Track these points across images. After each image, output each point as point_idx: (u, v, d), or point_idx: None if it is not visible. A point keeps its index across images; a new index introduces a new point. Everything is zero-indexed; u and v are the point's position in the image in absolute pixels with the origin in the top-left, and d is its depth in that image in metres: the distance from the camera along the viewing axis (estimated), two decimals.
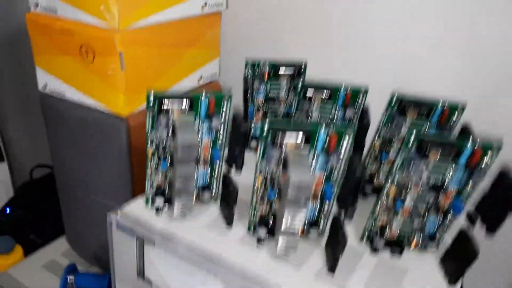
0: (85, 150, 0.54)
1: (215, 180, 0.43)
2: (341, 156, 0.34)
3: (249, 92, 0.49)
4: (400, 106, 0.41)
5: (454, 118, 0.41)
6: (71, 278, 0.59)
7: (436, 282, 0.38)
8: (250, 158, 0.47)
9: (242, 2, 0.60)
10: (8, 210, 0.81)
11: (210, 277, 0.38)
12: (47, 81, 0.55)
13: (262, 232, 0.39)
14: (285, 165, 0.34)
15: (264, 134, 0.33)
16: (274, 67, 0.47)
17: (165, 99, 0.36)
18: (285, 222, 0.35)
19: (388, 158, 0.46)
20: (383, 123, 0.44)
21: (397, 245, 0.40)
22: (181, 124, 0.36)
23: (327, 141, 0.34)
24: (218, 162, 0.42)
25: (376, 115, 0.44)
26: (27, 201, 0.83)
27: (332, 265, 0.37)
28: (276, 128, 0.33)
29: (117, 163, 0.52)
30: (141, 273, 0.43)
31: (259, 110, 0.50)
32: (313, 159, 0.35)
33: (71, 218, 0.65)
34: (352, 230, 0.43)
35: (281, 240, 0.36)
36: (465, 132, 0.41)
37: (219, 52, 0.62)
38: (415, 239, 0.40)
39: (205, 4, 0.55)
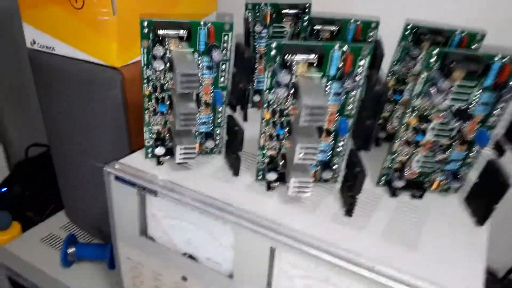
0: (78, 107, 0.51)
1: (218, 127, 0.40)
2: (357, 79, 0.31)
3: (250, 37, 0.46)
4: (415, 36, 0.38)
5: (473, 47, 0.38)
6: (71, 249, 0.56)
7: (461, 223, 0.35)
8: (254, 114, 0.45)
9: None
10: (3, 189, 0.78)
11: (218, 226, 0.35)
12: (35, 37, 0.51)
13: (272, 176, 0.36)
14: (296, 92, 0.31)
15: (272, 53, 0.30)
16: (277, 8, 0.44)
17: (161, 28, 0.33)
18: (297, 155, 0.31)
19: (402, 98, 0.43)
20: (396, 58, 0.41)
21: (417, 187, 0.37)
22: (179, 55, 0.33)
23: (342, 62, 0.30)
24: (221, 107, 0.39)
25: (389, 51, 0.41)
26: (24, 179, 0.80)
27: (349, 207, 0.34)
28: (286, 46, 0.30)
29: (113, 118, 0.49)
30: (143, 229, 0.40)
31: (262, 58, 0.47)
32: (326, 85, 0.32)
33: (69, 189, 0.62)
34: (367, 177, 0.40)
35: (293, 178, 0.33)
36: None
37: (216, 7, 0.58)
38: (437, 179, 0.37)
39: None
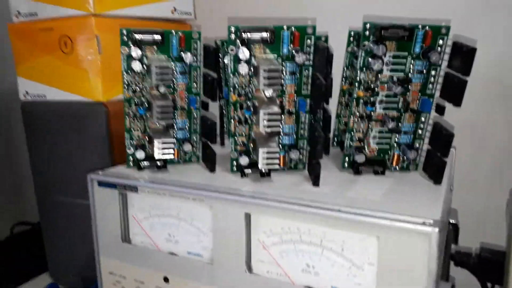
0: (65, 144, 0.54)
1: (194, 132, 0.44)
2: (308, 55, 0.36)
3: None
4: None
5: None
6: None
7: (421, 184, 0.38)
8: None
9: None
10: None
11: (197, 211, 0.37)
12: (28, 88, 0.57)
13: (244, 159, 0.39)
14: (256, 71, 0.36)
15: (232, 36, 0.36)
16: None
17: (137, 34, 0.39)
18: (261, 123, 0.35)
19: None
20: (348, 63, 0.47)
21: (378, 163, 0.40)
22: (155, 58, 0.39)
23: (291, 39, 0.36)
24: (195, 111, 0.43)
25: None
26: (8, 256, 0.80)
27: (315, 175, 0.37)
28: (242, 28, 0.35)
29: (98, 150, 0.52)
30: (125, 235, 0.41)
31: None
32: (281, 64, 0.37)
33: (54, 245, 0.62)
34: (332, 166, 0.44)
35: (261, 149, 0.36)
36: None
37: None
38: (395, 154, 0.41)
39: (174, 9, 0.61)
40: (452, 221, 0.45)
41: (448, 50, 0.36)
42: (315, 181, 0.37)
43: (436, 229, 0.28)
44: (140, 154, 0.42)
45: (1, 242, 0.83)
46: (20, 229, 0.86)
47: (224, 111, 0.53)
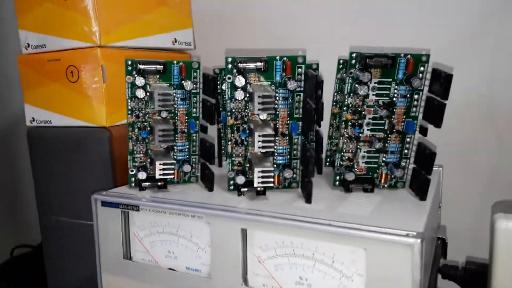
0: (70, 167, 0.56)
1: (193, 154, 0.46)
2: (299, 82, 0.39)
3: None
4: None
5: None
6: None
7: (408, 200, 0.40)
8: None
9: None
10: None
11: (196, 228, 0.39)
12: (34, 114, 0.60)
13: (241, 179, 0.41)
14: (251, 96, 0.39)
15: (229, 66, 0.39)
16: None
17: (141, 64, 0.42)
18: (257, 144, 0.38)
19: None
20: (337, 89, 0.50)
21: (367, 181, 0.43)
22: (157, 86, 0.42)
23: (284, 68, 0.39)
24: (195, 134, 0.46)
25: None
26: (9, 278, 0.81)
27: (307, 192, 0.39)
28: (239, 58, 0.39)
29: (101, 173, 0.54)
30: (126, 253, 0.43)
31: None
32: (275, 90, 0.40)
33: (55, 265, 0.63)
34: (324, 184, 0.46)
35: (256, 168, 0.39)
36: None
37: (192, 23, 0.67)
38: (383, 172, 0.43)
39: (175, 40, 0.64)
40: (440, 236, 0.47)
41: (428, 76, 0.39)
42: (308, 198, 0.39)
43: (419, 240, 0.30)
44: (142, 175, 0.44)
45: (2, 264, 0.84)
46: (20, 251, 0.87)
47: (222, 134, 0.56)
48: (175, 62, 0.43)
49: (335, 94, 0.50)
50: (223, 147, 0.56)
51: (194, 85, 0.44)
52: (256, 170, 0.39)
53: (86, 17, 0.53)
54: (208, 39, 0.73)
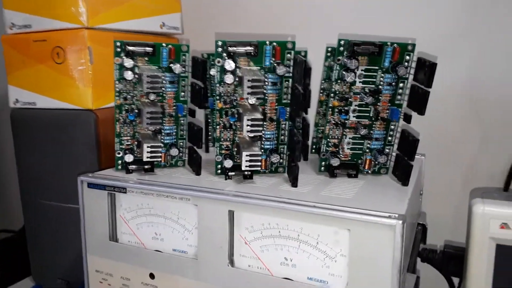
0: (54, 150, 0.56)
1: (180, 138, 0.46)
2: (288, 67, 0.40)
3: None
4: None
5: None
6: None
7: (390, 186, 0.41)
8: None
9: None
10: None
11: (183, 209, 0.39)
12: (18, 96, 0.59)
13: (228, 163, 0.42)
14: (240, 80, 0.40)
15: (219, 50, 0.39)
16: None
17: (130, 46, 0.42)
18: (245, 128, 0.38)
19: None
20: (325, 76, 0.51)
21: (352, 167, 0.44)
22: (146, 68, 0.42)
23: (273, 53, 0.40)
24: (183, 117, 0.46)
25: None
26: None
27: (293, 176, 0.40)
28: (229, 42, 0.39)
29: (86, 157, 0.54)
30: (113, 234, 0.43)
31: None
32: (264, 75, 0.40)
33: (38, 249, 0.63)
34: (310, 170, 0.47)
35: (244, 152, 0.39)
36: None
37: (181, 8, 0.67)
38: (367, 159, 0.44)
39: (163, 24, 0.64)
40: (421, 222, 0.48)
41: (414, 65, 0.40)
42: (294, 182, 0.40)
43: (400, 222, 0.31)
44: (129, 158, 0.44)
45: None
46: (2, 236, 0.86)
47: (209, 120, 0.56)
48: (164, 44, 0.43)
49: (323, 81, 0.51)
50: (210, 133, 0.56)
51: (183, 68, 0.44)
52: (244, 154, 0.40)
53: None
54: (197, 24, 0.73)
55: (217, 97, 0.41)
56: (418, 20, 0.60)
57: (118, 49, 0.42)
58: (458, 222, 0.59)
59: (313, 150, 0.54)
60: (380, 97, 0.42)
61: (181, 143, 0.47)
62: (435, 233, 0.54)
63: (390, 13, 0.62)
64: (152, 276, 0.41)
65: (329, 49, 0.49)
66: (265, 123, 0.42)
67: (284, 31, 0.66)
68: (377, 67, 0.41)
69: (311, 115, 0.51)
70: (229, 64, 0.39)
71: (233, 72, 0.40)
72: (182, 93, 0.45)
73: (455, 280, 0.49)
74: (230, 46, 0.39)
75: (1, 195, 1.02)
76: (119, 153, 0.45)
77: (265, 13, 0.70)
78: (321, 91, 0.52)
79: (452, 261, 0.42)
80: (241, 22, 0.72)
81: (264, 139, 0.42)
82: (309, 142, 0.52)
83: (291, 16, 0.68)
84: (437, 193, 0.59)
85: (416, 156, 0.41)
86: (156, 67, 0.44)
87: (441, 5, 0.59)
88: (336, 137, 0.43)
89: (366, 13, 0.63)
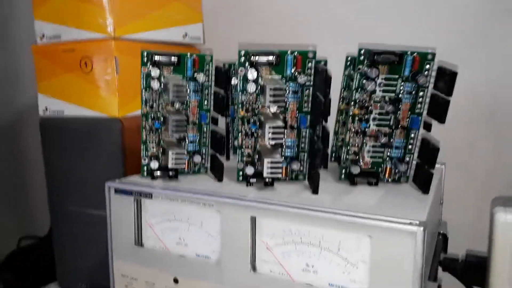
0: (81, 157, 0.58)
1: (203, 146, 0.48)
2: (309, 76, 0.41)
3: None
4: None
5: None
6: None
7: (411, 194, 0.42)
8: None
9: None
10: None
11: (207, 216, 0.40)
12: (47, 104, 0.61)
13: (250, 170, 0.43)
14: (262, 89, 0.41)
15: (242, 59, 0.40)
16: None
17: (156, 56, 0.43)
18: (267, 135, 0.39)
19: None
20: (345, 85, 0.51)
21: (372, 175, 0.44)
22: (171, 77, 0.43)
23: (294, 62, 0.41)
24: (206, 125, 0.47)
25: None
26: (15, 267, 0.82)
27: (314, 184, 0.40)
28: (251, 51, 0.40)
29: (112, 164, 0.56)
30: (138, 239, 0.45)
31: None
32: (285, 83, 0.41)
33: (64, 254, 0.65)
34: (330, 178, 0.47)
35: (266, 159, 0.40)
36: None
37: (202, 18, 0.69)
38: (387, 167, 0.44)
39: (186, 34, 0.66)
40: (441, 231, 0.48)
41: (433, 74, 0.41)
42: (315, 190, 0.40)
43: (421, 228, 0.31)
44: (154, 164, 0.46)
45: (9, 254, 0.86)
46: (27, 242, 0.89)
47: (230, 128, 0.57)
48: (188, 54, 0.45)
49: (342, 90, 0.52)
50: (230, 142, 0.57)
51: (206, 78, 0.46)
52: (265, 160, 0.40)
53: (101, 9, 0.55)
54: (217, 34, 0.74)
55: (239, 105, 0.42)
56: (436, 28, 0.60)
57: (145, 59, 0.44)
58: (479, 231, 0.59)
59: (332, 159, 0.54)
60: (400, 106, 0.42)
61: (204, 151, 0.48)
62: (456, 242, 0.53)
63: (407, 22, 0.62)
64: (176, 280, 0.42)
65: (349, 58, 0.50)
66: (285, 131, 0.43)
67: (302, 42, 0.67)
68: (397, 76, 0.41)
69: (330, 124, 0.52)
70: (252, 73, 0.40)
71: (255, 81, 0.41)
72: (205, 102, 0.47)
73: None
74: (253, 55, 0.41)
75: (27, 202, 1.05)
76: (145, 160, 0.46)
77: (283, 24, 0.71)
78: (341, 99, 0.52)
79: (474, 270, 0.42)
80: (260, 33, 0.74)
81: (284, 146, 0.43)
82: (328, 151, 0.53)
83: (309, 27, 0.69)
84: (457, 202, 0.58)
85: (436, 165, 0.41)
86: (181, 76, 0.45)
87: (459, 15, 0.59)
88: (356, 145, 0.44)
89: (384, 23, 0.63)
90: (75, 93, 0.58)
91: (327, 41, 0.64)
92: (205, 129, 0.47)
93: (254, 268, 0.38)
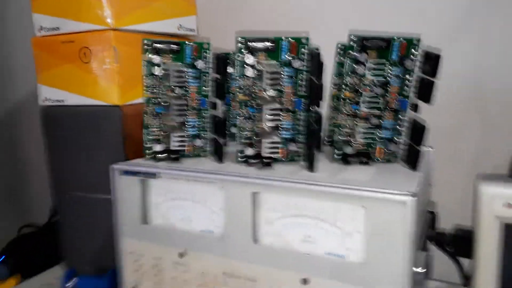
0: (83, 144, 0.60)
1: (203, 130, 0.50)
2: (303, 61, 0.43)
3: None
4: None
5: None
6: (71, 282, 0.59)
7: (401, 171, 0.44)
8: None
9: None
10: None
11: (211, 194, 0.43)
12: (47, 94, 0.63)
13: (250, 151, 0.45)
14: (260, 74, 0.43)
15: (240, 45, 0.42)
16: None
17: (157, 44, 0.45)
18: (265, 117, 0.42)
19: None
20: (336, 72, 0.54)
21: (364, 155, 0.47)
22: (172, 64, 0.45)
23: (289, 48, 0.43)
24: (205, 110, 0.50)
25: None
26: (18, 253, 0.84)
27: (310, 161, 0.43)
28: (249, 38, 0.42)
29: (113, 150, 0.58)
30: (144, 218, 0.47)
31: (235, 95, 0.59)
32: (281, 68, 0.44)
33: (69, 237, 0.66)
34: (324, 159, 0.50)
35: (264, 140, 0.43)
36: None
37: (196, 10, 0.71)
38: (378, 147, 0.47)
39: (180, 26, 0.68)
40: (430, 210, 0.51)
41: (421, 58, 0.43)
42: (311, 168, 0.43)
43: (412, 198, 0.34)
44: (158, 147, 0.48)
45: (11, 241, 0.87)
46: (27, 231, 0.90)
47: (225, 115, 0.59)
48: (187, 42, 0.47)
49: (334, 77, 0.54)
50: (226, 128, 0.60)
51: (205, 64, 0.48)
52: (264, 141, 0.43)
53: (99, 2, 0.57)
54: (210, 25, 0.77)
55: (238, 89, 0.44)
56: (422, 15, 0.63)
57: (146, 47, 0.46)
58: (466, 210, 0.62)
59: (325, 143, 0.57)
60: (389, 89, 0.45)
61: (204, 135, 0.50)
62: (444, 222, 0.57)
63: (394, 9, 0.65)
64: (181, 254, 0.44)
65: (340, 45, 0.53)
66: (282, 114, 0.45)
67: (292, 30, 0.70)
68: (385, 60, 0.44)
69: (323, 109, 0.54)
70: (250, 59, 0.43)
71: (252, 66, 0.43)
72: (204, 88, 0.49)
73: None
74: (250, 42, 0.43)
75: (23, 192, 1.06)
76: (147, 143, 0.48)
77: (276, 17, 0.74)
78: (333, 85, 0.55)
79: (461, 242, 0.46)
80: (252, 24, 0.76)
81: (281, 129, 0.46)
82: (322, 134, 0.56)
83: (300, 18, 0.72)
84: (444, 183, 0.62)
85: (424, 148, 0.44)
86: (181, 63, 0.47)
87: (446, 3, 0.62)
88: (348, 126, 0.46)
89: (371, 12, 0.66)
90: (75, 83, 0.60)
91: (317, 31, 0.67)
92: (204, 114, 0.50)
93: (256, 240, 0.41)
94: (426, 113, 0.44)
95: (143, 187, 0.46)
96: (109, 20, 0.57)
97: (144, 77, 0.47)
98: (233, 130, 0.59)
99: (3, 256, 0.79)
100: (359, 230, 0.37)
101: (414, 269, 0.35)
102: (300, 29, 0.71)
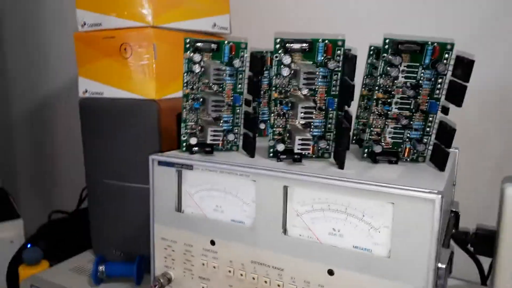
0: (119, 136, 0.63)
1: (236, 125, 0.52)
2: (338, 62, 0.45)
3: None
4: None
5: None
6: (101, 267, 0.62)
7: (428, 171, 0.46)
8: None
9: None
10: (28, 245, 0.84)
11: (242, 186, 0.45)
12: (87, 86, 0.66)
13: (281, 146, 0.47)
14: (295, 73, 0.45)
15: (277, 46, 0.44)
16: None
17: (198, 42, 0.48)
18: (299, 115, 0.44)
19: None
20: (367, 73, 0.55)
21: (392, 154, 0.48)
22: (211, 62, 0.48)
23: (325, 49, 0.45)
24: (239, 107, 0.52)
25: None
26: (48, 237, 0.87)
27: (340, 160, 0.45)
28: (286, 39, 0.44)
29: (149, 142, 0.60)
30: (178, 206, 0.49)
31: (265, 93, 0.61)
32: (316, 68, 0.46)
33: (99, 224, 0.69)
34: (353, 157, 0.52)
35: (297, 136, 0.45)
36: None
37: (229, 9, 0.73)
38: (406, 147, 0.49)
39: (214, 24, 0.70)
40: (454, 209, 0.52)
41: (452, 62, 0.44)
42: (341, 165, 0.45)
43: (439, 196, 0.35)
44: (193, 140, 0.50)
45: (42, 225, 0.91)
46: (56, 216, 0.94)
47: (256, 112, 0.61)
48: (226, 41, 0.49)
49: (365, 77, 0.56)
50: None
51: (241, 63, 0.50)
52: (297, 138, 0.45)
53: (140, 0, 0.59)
54: (248, 24, 0.79)
55: (273, 88, 0.46)
56: (455, 20, 0.64)
57: (188, 45, 0.48)
58: (489, 212, 0.63)
59: (353, 142, 0.59)
60: (420, 91, 0.46)
61: (236, 130, 0.52)
62: (466, 222, 0.57)
63: (428, 14, 0.66)
64: (212, 242, 0.46)
65: (372, 48, 0.54)
66: (314, 112, 0.47)
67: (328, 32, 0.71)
68: (418, 64, 0.45)
69: (352, 109, 0.56)
70: (286, 59, 0.45)
71: (289, 66, 0.45)
72: (239, 85, 0.51)
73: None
74: (287, 43, 0.45)
75: (55, 181, 1.11)
76: (184, 136, 0.51)
77: (307, 15, 0.75)
78: (363, 86, 0.56)
79: (483, 241, 0.46)
80: (291, 24, 0.78)
81: (313, 126, 0.47)
82: (350, 133, 0.57)
83: (334, 20, 0.73)
84: (469, 184, 0.62)
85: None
86: (219, 61, 0.50)
87: (477, 9, 0.63)
88: (379, 126, 0.48)
89: (406, 15, 0.67)
90: (114, 77, 0.63)
91: (350, 33, 0.69)
92: (238, 110, 0.52)
93: (285, 231, 0.43)
94: (453, 115, 0.45)
95: (179, 177, 0.48)
96: (149, 18, 0.60)
97: (184, 74, 0.49)
98: (262, 126, 0.61)
99: (29, 244, 0.83)
100: (387, 225, 0.39)
101: (439, 265, 0.37)
102: (334, 29, 0.73)
